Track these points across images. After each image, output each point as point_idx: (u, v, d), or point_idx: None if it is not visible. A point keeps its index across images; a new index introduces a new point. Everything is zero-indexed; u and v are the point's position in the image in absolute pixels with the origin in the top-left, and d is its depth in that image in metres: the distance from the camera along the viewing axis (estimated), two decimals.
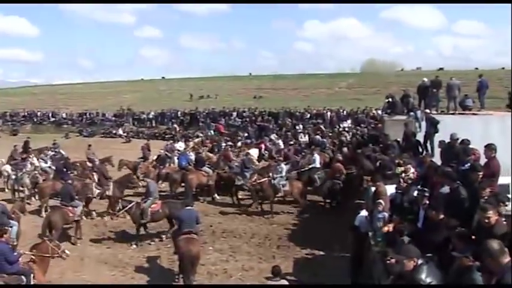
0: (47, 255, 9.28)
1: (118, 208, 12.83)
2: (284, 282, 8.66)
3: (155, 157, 21.94)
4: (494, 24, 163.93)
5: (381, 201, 9.56)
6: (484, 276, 4.76)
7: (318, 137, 28.01)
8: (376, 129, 23.73)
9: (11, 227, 11.26)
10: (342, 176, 16.12)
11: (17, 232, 11.56)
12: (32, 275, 8.74)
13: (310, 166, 17.41)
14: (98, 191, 15.94)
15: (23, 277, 8.63)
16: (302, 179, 16.71)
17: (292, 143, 27.87)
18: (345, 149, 21.41)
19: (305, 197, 16.30)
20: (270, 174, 16.16)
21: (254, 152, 21.70)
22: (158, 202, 13.26)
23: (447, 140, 12.07)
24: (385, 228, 8.52)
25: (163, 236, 13.15)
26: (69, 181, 14.62)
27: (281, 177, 15.84)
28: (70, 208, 13.22)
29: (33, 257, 9.10)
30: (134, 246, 12.68)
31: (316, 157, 17.93)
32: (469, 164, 9.15)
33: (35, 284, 8.68)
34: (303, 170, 17.49)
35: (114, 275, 10.77)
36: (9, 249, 8.80)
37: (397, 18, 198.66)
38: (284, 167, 16.56)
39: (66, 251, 9.75)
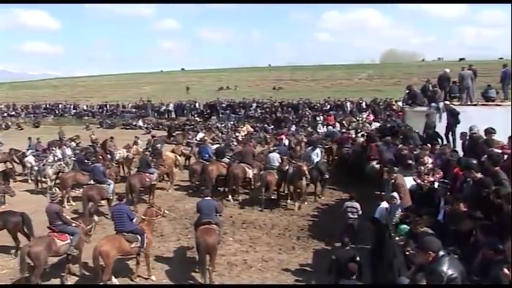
0: (154, 218, 10.62)
1: None
2: (357, 204, 11.56)
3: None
4: None
5: (395, 194, 9.50)
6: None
7: (330, 127, 27.97)
8: (395, 120, 23.40)
9: (109, 184, 14.54)
10: None
11: (113, 189, 14.52)
12: (144, 235, 9.98)
13: (315, 160, 16.72)
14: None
15: (138, 236, 9.89)
16: (313, 174, 15.98)
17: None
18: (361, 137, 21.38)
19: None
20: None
21: None
22: None
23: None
24: None
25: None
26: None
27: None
28: (147, 174, 15.85)
29: (143, 217, 10.46)
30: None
31: (311, 150, 17.71)
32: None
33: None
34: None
35: (135, 265, 10.86)
36: (129, 208, 10.41)
37: (418, 8, 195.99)
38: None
39: (166, 211, 11.26)
